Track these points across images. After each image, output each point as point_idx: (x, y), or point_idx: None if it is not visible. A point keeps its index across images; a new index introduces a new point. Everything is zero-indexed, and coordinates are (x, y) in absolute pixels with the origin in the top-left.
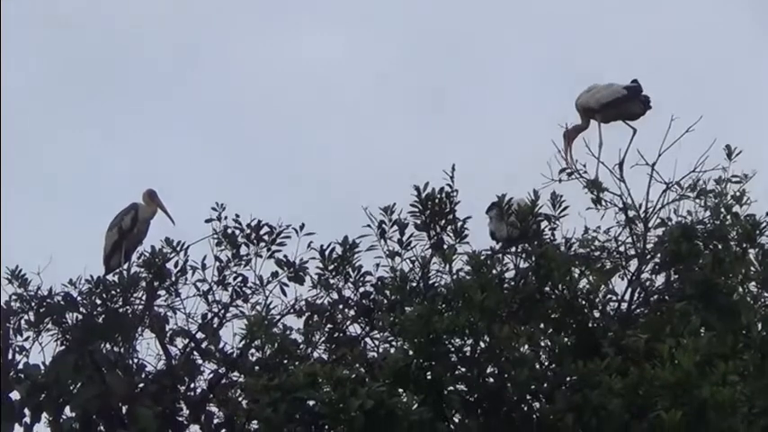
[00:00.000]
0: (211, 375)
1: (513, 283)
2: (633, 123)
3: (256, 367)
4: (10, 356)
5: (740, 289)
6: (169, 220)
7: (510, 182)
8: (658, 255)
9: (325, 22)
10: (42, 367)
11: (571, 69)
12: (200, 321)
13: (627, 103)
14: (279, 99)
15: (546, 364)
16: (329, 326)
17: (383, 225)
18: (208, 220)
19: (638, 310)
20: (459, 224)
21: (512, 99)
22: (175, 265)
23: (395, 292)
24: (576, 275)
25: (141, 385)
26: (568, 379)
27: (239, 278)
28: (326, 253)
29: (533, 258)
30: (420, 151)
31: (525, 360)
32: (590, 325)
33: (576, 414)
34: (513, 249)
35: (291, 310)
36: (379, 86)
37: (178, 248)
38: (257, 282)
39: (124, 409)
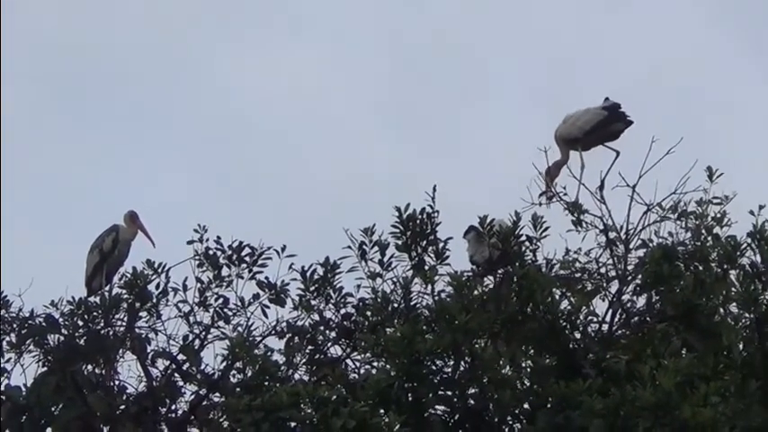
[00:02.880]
0: (193, 397)
1: (494, 304)
2: (615, 145)
3: (238, 389)
4: None
5: (721, 310)
6: (150, 242)
7: (491, 204)
8: (639, 276)
9: (311, 39)
10: (23, 389)
11: (556, 93)
12: (181, 343)
13: (610, 125)
14: (260, 117)
15: (528, 384)
16: (310, 347)
17: (364, 246)
18: (190, 242)
19: (620, 332)
20: (441, 245)
21: (497, 121)
22: (157, 287)
23: (376, 313)
24: (558, 297)
25: (123, 407)
26: (550, 400)
27: (220, 299)
28: (307, 274)
29: (515, 279)
30: (403, 171)
31: (507, 381)
32: (571, 346)
33: None
34: (496, 271)
35: (273, 332)
36: (364, 105)
37: (159, 270)
38: (238, 303)
39: (105, 431)
